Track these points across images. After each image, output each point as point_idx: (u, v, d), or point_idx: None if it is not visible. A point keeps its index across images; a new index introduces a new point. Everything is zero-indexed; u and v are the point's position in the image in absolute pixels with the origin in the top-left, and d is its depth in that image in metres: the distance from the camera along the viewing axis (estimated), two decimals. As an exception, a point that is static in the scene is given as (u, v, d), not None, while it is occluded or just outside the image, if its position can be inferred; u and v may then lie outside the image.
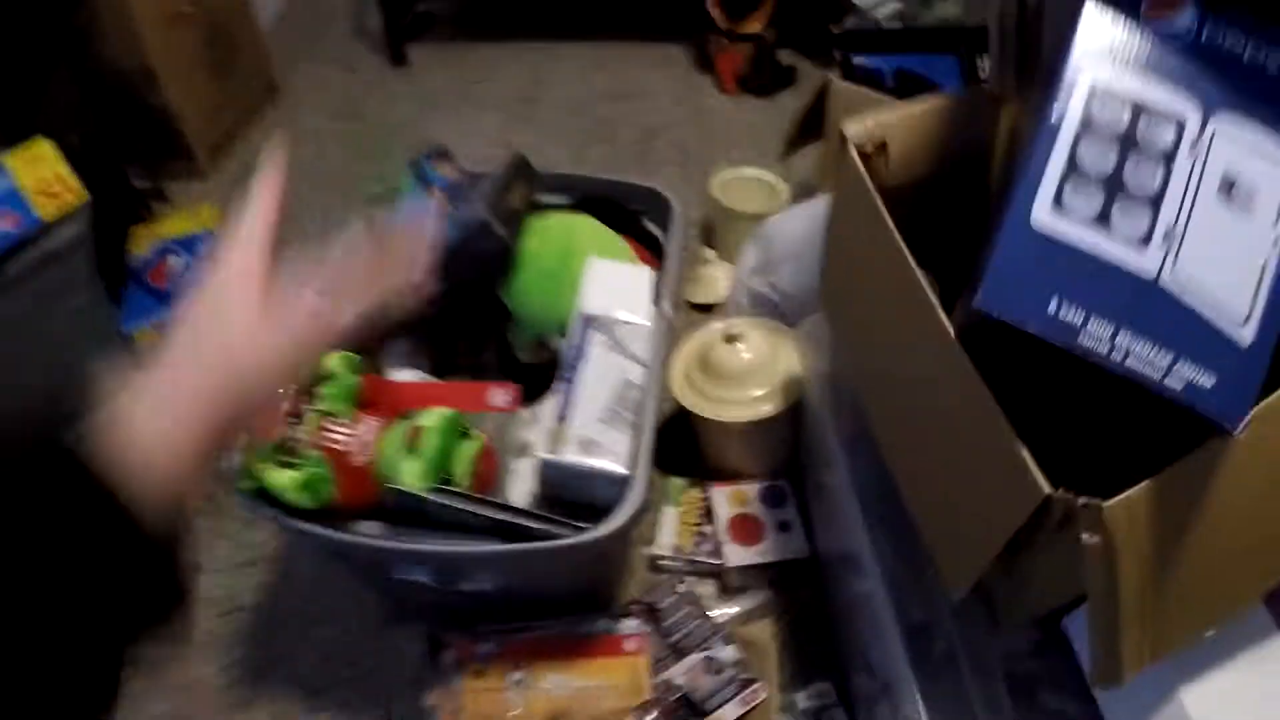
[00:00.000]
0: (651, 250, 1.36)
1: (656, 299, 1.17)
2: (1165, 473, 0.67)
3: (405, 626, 1.32)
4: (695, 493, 1.43)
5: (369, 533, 1.02)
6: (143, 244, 2.02)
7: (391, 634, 1.33)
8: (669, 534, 1.38)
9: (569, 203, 1.40)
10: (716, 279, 1.81)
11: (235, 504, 1.18)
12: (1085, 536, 0.67)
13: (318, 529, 0.98)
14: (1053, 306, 0.63)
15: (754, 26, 2.24)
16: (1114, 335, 0.63)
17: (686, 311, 1.77)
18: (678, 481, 1.45)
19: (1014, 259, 0.64)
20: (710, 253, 1.85)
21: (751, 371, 1.36)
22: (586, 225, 1.28)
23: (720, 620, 1.24)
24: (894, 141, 0.96)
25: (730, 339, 1.36)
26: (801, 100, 1.77)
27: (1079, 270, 0.64)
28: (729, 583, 1.32)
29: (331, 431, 1.01)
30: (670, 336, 1.20)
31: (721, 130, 2.26)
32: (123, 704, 1.20)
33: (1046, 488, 0.67)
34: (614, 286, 1.15)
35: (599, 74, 2.50)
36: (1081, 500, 0.66)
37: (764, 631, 1.23)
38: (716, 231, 1.90)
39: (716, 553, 1.33)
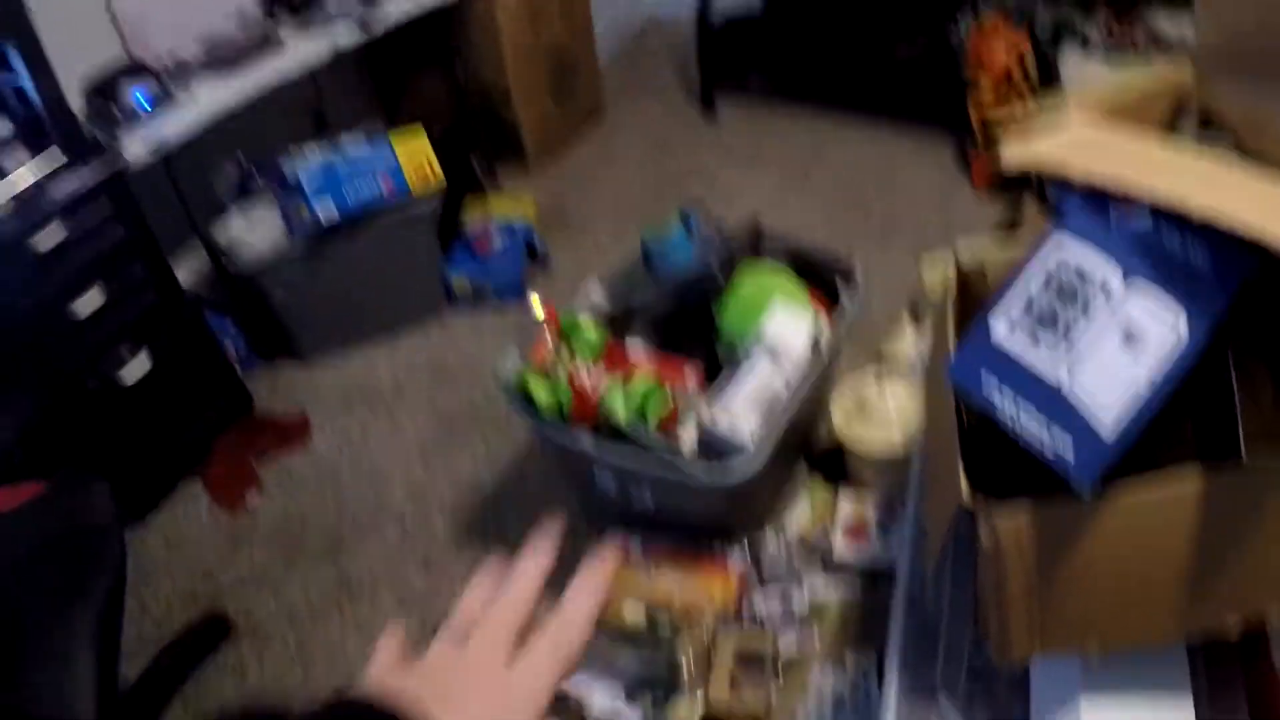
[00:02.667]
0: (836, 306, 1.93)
1: (815, 342, 1.74)
2: (1047, 507, 1.10)
3: (589, 529, 1.97)
4: (830, 495, 1.98)
5: (583, 441, 1.66)
6: (474, 217, 2.80)
7: (579, 530, 1.98)
8: (799, 518, 1.94)
9: (786, 259, 1.99)
10: (906, 342, 2.32)
11: (494, 415, 1.89)
12: (983, 534, 1.17)
13: (554, 429, 1.64)
14: (985, 386, 1.16)
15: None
16: (1017, 411, 1.14)
17: (878, 360, 2.31)
18: (820, 483, 2.01)
19: (972, 353, 1.18)
20: (908, 321, 2.38)
21: (893, 416, 1.90)
22: (784, 278, 1.88)
23: (807, 584, 1.78)
24: (991, 268, 1.47)
25: (880, 386, 1.90)
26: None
27: (1008, 368, 1.16)
28: (829, 567, 1.86)
29: (579, 371, 1.67)
30: (818, 367, 1.76)
31: (960, 222, 2.76)
32: (361, 538, 2.05)
33: (966, 495, 1.17)
34: (787, 324, 1.75)
35: (869, 155, 3.09)
36: (980, 506, 1.15)
37: (832, 600, 1.77)
38: (919, 305, 2.41)
39: (828, 541, 1.87)
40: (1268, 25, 1.49)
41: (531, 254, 2.75)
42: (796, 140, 3.22)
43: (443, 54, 3.01)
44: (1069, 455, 1.11)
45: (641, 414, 1.65)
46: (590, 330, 1.75)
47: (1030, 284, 1.21)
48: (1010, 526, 1.11)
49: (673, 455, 1.59)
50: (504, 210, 2.83)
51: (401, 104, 3.23)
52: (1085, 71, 2.71)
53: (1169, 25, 2.66)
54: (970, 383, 1.19)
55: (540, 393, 1.65)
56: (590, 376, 1.67)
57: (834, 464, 2.03)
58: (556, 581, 1.74)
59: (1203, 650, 1.26)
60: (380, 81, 3.22)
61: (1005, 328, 1.20)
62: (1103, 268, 1.17)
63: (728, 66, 3.41)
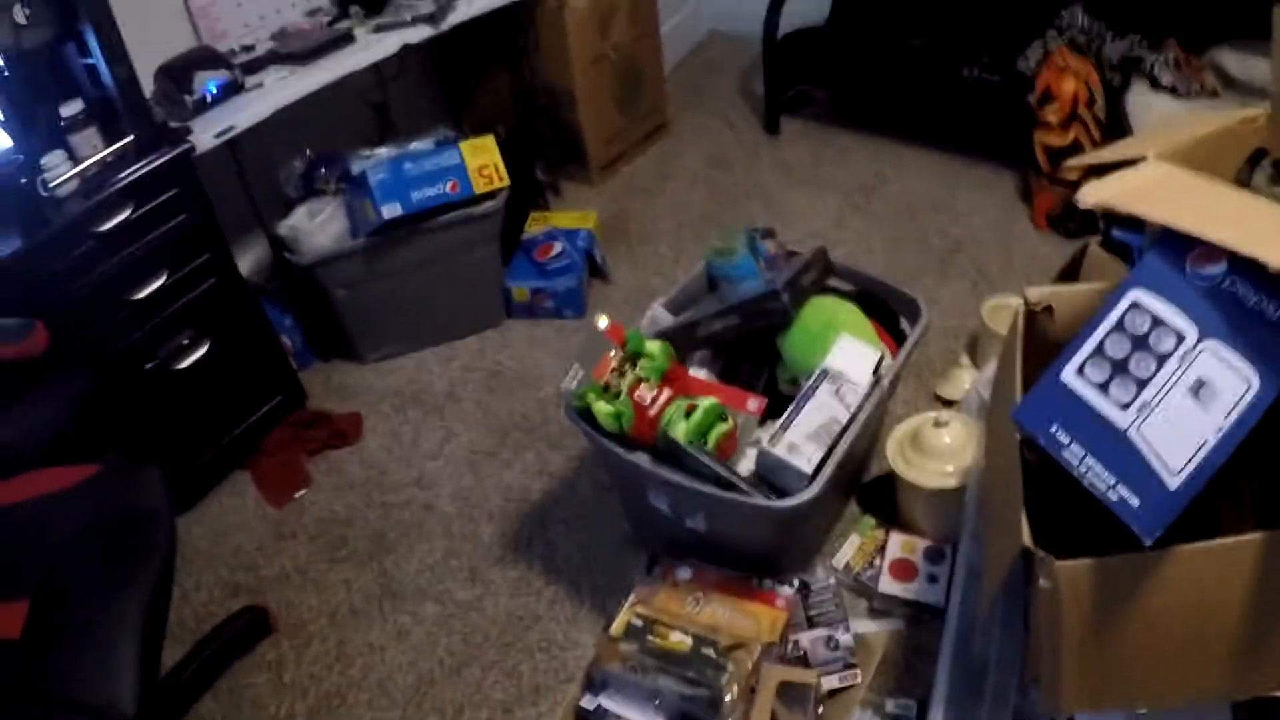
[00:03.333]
0: (899, 342, 1.95)
1: (877, 374, 1.77)
2: (1107, 559, 1.14)
3: (639, 550, 2.01)
4: (879, 533, 2.00)
5: (640, 460, 1.70)
6: (535, 226, 2.86)
7: (629, 551, 2.04)
8: (847, 554, 1.96)
9: (850, 290, 2.03)
10: (963, 381, 2.35)
11: (547, 427, 1.93)
12: (1042, 581, 1.18)
13: (612, 445, 1.70)
14: (1054, 429, 1.18)
15: (1074, 174, 2.70)
16: (1084, 457, 1.16)
17: (931, 401, 2.33)
18: (869, 520, 2.04)
19: (1042, 396, 1.21)
20: (966, 359, 2.41)
21: (947, 452, 1.91)
22: (849, 310, 1.92)
23: (852, 622, 1.80)
24: (1059, 307, 1.48)
25: (938, 424, 1.92)
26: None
27: (1078, 413, 1.18)
28: (875, 604, 1.88)
29: (640, 390, 1.71)
30: (879, 401, 1.79)
31: (1021, 259, 2.77)
32: (407, 541, 2.04)
33: (1027, 541, 1.17)
34: (852, 357, 1.78)
35: (931, 181, 3.11)
36: (1041, 554, 1.17)
37: (878, 639, 1.80)
38: (978, 344, 2.43)
39: (875, 579, 1.89)
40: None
41: (592, 266, 2.80)
42: (858, 162, 3.24)
43: (510, 55, 3.05)
44: (1133, 502, 1.13)
45: (702, 436, 1.69)
46: (655, 351, 1.79)
47: (1103, 332, 1.23)
48: (1070, 573, 1.14)
49: (730, 478, 1.63)
50: (564, 220, 2.87)
51: (467, 104, 3.28)
52: (1151, 109, 2.71)
53: (1237, 66, 2.66)
54: (1037, 426, 1.22)
55: (601, 409, 1.69)
56: (652, 396, 1.71)
57: (884, 501, 2.05)
58: (596, 600, 1.77)
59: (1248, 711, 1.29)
60: (446, 81, 3.27)
61: (1075, 374, 1.22)
62: (1176, 318, 1.19)
63: (791, 82, 3.43)
